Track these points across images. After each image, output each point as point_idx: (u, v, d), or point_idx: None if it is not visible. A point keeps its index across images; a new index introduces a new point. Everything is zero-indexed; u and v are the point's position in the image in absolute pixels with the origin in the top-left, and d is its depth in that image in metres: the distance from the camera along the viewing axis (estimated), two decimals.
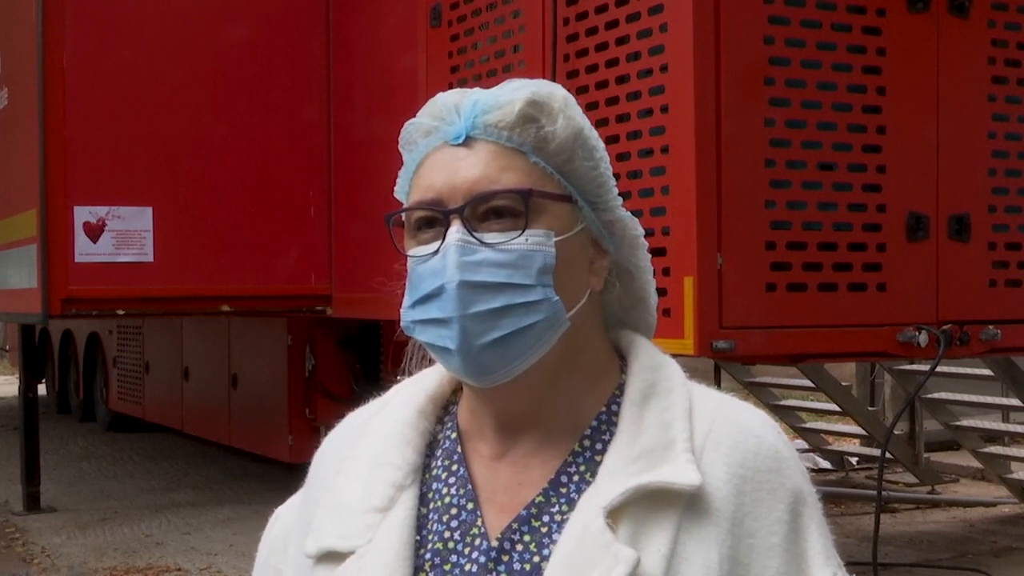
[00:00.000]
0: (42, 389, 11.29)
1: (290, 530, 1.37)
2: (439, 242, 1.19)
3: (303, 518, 1.33)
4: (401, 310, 1.24)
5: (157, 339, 11.40)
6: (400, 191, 1.29)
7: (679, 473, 1.17)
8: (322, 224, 7.62)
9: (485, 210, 1.19)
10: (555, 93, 1.25)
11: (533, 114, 1.22)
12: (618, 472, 1.18)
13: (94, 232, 7.14)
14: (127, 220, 7.21)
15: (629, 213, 1.30)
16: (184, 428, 11.00)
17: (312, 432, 8.49)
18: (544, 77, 5.22)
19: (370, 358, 8.60)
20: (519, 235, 1.19)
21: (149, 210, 7.26)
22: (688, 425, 1.21)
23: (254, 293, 7.58)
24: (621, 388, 1.26)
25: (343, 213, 7.52)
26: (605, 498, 1.16)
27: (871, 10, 4.87)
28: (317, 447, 1.40)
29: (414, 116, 1.28)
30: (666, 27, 4.69)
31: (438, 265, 1.19)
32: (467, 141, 1.22)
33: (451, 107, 1.24)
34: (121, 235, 7.20)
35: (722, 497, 1.18)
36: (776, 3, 4.71)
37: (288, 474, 9.01)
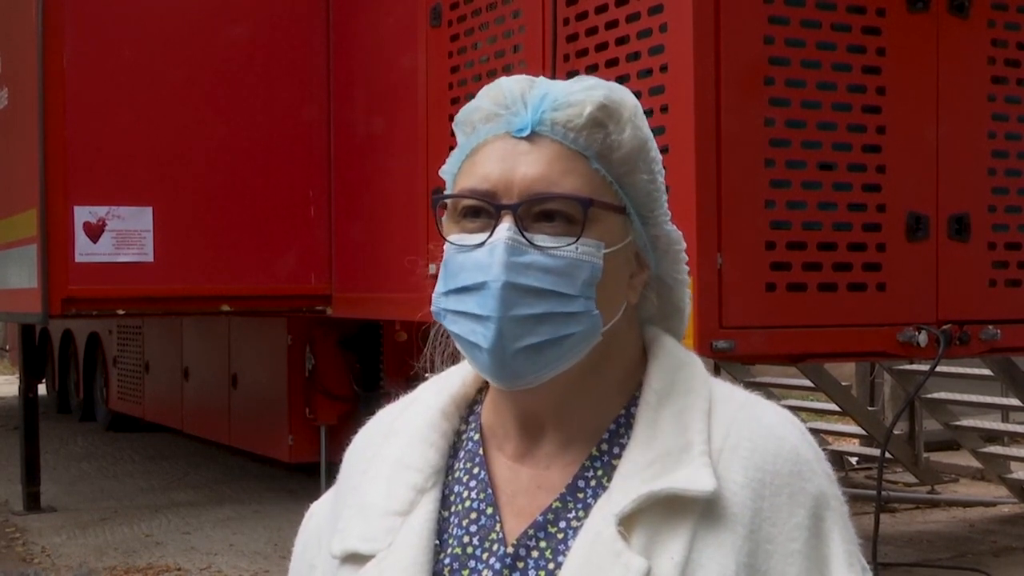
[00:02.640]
0: (42, 389, 11.29)
1: (323, 527, 1.36)
2: (486, 235, 1.16)
3: (333, 516, 1.32)
4: (433, 294, 1.21)
5: (157, 339, 11.40)
6: (448, 171, 1.25)
7: (693, 478, 1.14)
8: (322, 224, 7.62)
9: (539, 211, 1.16)
10: (626, 101, 1.22)
11: (602, 119, 1.19)
12: (632, 478, 1.16)
13: (94, 232, 7.14)
14: (127, 220, 7.21)
15: (675, 227, 1.28)
16: (184, 428, 11.00)
17: (312, 432, 8.47)
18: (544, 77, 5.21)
19: (370, 358, 8.60)
20: (572, 243, 1.15)
21: (149, 210, 7.26)
22: (706, 427, 1.18)
23: (254, 293, 7.58)
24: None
25: (343, 213, 7.52)
26: (617, 505, 1.14)
27: (871, 10, 4.88)
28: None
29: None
30: (666, 27, 4.69)
31: (484, 260, 1.15)
32: (530, 136, 1.18)
33: (517, 96, 1.20)
34: (121, 235, 7.20)
35: (739, 502, 1.14)
36: (776, 3, 4.71)
37: (288, 474, 9.02)
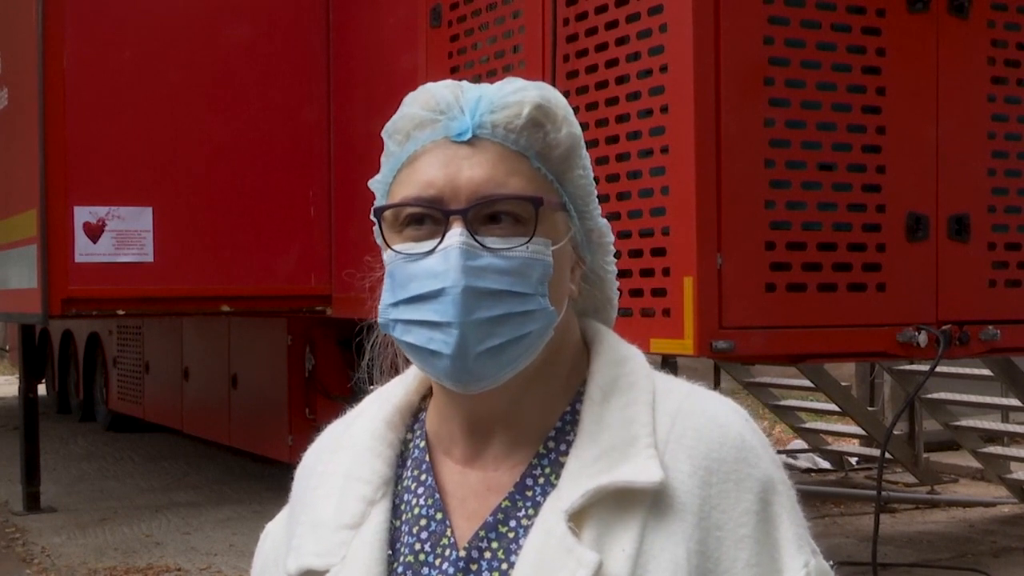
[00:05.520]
0: (42, 389, 11.28)
1: (279, 546, 1.36)
2: (435, 241, 1.15)
3: (288, 535, 1.33)
4: (379, 307, 1.21)
5: (157, 339, 11.40)
6: (381, 182, 1.25)
7: (640, 471, 1.15)
8: (322, 224, 7.62)
9: (488, 214, 1.16)
10: (559, 100, 1.24)
11: (540, 119, 1.20)
12: (580, 474, 1.17)
13: (94, 232, 7.14)
14: (127, 220, 7.21)
15: (605, 220, 1.29)
16: (184, 428, 11.00)
17: (312, 432, 8.43)
18: (544, 77, 5.23)
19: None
20: (525, 243, 1.16)
21: (149, 210, 7.26)
22: (651, 419, 1.19)
23: (254, 293, 7.58)
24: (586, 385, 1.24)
25: (343, 213, 7.52)
26: (567, 501, 1.15)
27: (871, 10, 4.88)
28: (297, 467, 1.40)
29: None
30: (666, 27, 4.69)
31: (438, 267, 1.15)
32: (471, 139, 1.18)
33: (451, 100, 1.21)
34: (121, 235, 7.20)
35: (687, 491, 1.16)
36: (776, 3, 4.72)
37: (288, 474, 8.99)
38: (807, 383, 8.30)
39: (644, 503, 1.15)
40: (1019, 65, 5.25)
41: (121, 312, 7.46)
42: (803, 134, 4.77)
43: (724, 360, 5.87)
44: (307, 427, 8.58)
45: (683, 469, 1.17)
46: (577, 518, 1.14)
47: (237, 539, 7.25)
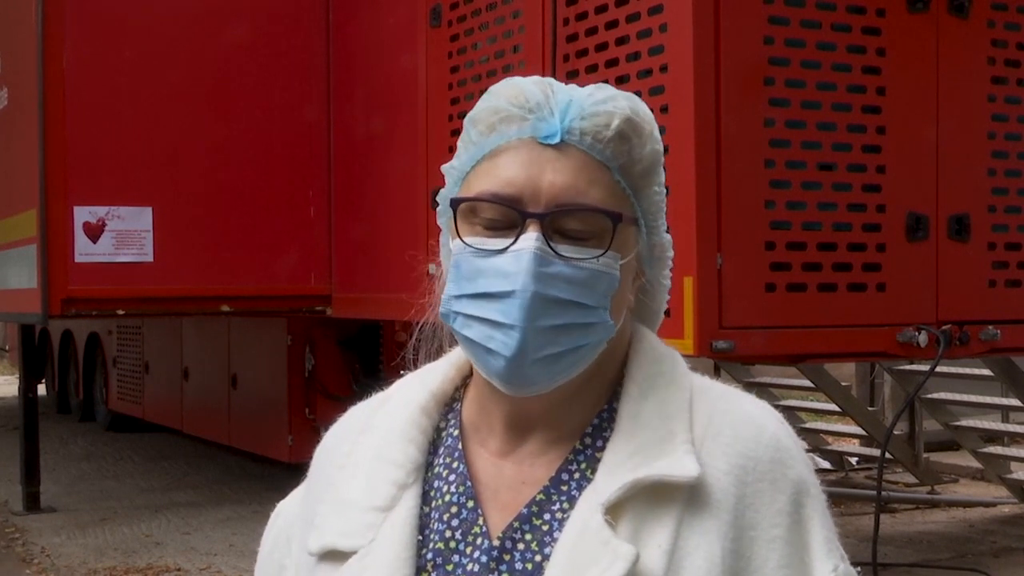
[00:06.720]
0: (42, 389, 11.28)
1: (293, 525, 1.35)
2: (508, 241, 1.15)
3: (305, 513, 1.32)
4: (443, 295, 1.21)
5: (157, 339, 11.40)
6: (458, 168, 1.23)
7: (677, 465, 1.15)
8: (322, 224, 7.62)
9: (563, 222, 1.16)
10: (647, 114, 1.23)
11: (628, 133, 1.20)
12: (617, 468, 1.17)
13: (94, 232, 7.14)
14: (127, 220, 7.21)
15: (669, 236, 1.29)
16: (184, 428, 11.00)
17: (312, 432, 8.47)
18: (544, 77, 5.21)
19: (370, 358, 8.60)
20: (599, 255, 1.16)
21: (149, 210, 7.27)
22: (688, 417, 1.20)
23: (254, 293, 7.59)
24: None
25: (343, 213, 7.52)
26: (603, 494, 1.15)
27: (871, 10, 4.88)
28: (317, 447, 1.39)
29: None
30: (666, 27, 4.69)
31: (509, 267, 1.14)
32: (557, 143, 1.17)
33: (541, 100, 1.19)
34: (121, 235, 7.20)
35: (723, 488, 1.16)
36: (776, 3, 4.72)
37: (288, 474, 9.03)
38: (807, 383, 8.30)
39: (680, 499, 1.15)
40: (1019, 65, 5.25)
41: (121, 312, 7.46)
42: (803, 134, 4.77)
43: (724, 360, 5.88)
44: (307, 427, 8.58)
45: (719, 467, 1.17)
46: (613, 511, 1.15)
47: (237, 539, 7.25)
